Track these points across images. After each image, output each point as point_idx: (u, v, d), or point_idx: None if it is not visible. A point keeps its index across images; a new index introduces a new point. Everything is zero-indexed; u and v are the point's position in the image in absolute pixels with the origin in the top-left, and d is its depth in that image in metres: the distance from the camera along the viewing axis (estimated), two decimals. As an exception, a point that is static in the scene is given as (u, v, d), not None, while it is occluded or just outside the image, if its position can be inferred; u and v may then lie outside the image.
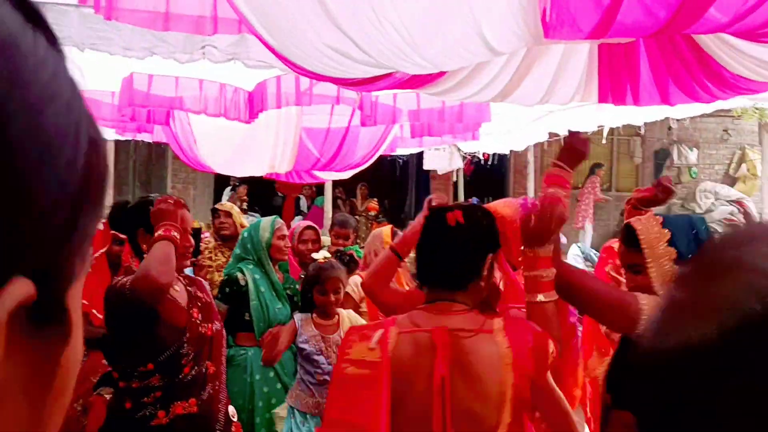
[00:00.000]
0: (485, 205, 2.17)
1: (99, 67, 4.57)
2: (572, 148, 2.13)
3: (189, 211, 2.73)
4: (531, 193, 12.52)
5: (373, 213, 12.94)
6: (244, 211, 12.60)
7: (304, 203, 13.29)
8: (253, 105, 5.08)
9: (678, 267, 1.96)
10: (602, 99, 2.96)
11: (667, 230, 2.04)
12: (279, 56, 2.63)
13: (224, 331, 2.86)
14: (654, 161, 14.82)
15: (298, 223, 4.75)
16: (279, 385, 3.98)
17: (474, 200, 13.01)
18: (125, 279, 2.49)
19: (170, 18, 3.04)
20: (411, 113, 5.55)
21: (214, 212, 5.07)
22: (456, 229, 1.88)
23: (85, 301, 3.59)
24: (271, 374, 4.00)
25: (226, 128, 5.51)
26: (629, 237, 2.13)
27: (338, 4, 1.94)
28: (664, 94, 2.76)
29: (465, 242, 1.88)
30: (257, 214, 12.82)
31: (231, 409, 2.79)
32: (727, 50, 2.46)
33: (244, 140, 5.81)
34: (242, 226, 4.96)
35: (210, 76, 4.98)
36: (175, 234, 2.48)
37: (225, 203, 5.19)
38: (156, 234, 2.49)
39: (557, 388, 1.88)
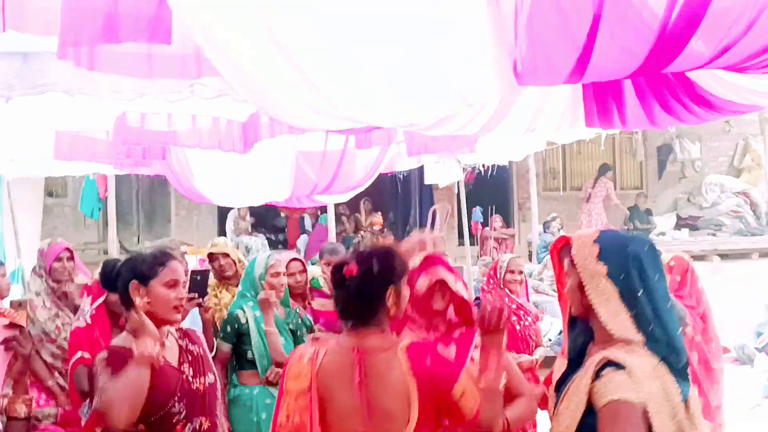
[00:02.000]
0: None
1: (91, 106, 4.56)
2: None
3: (181, 262, 2.69)
4: (534, 197, 12.49)
5: (377, 227, 12.92)
6: (248, 233, 12.64)
7: (308, 222, 13.27)
8: (248, 136, 5.06)
9: (613, 285, 1.93)
10: (589, 124, 2.93)
11: (597, 245, 1.98)
12: (262, 110, 2.62)
13: (218, 383, 2.80)
14: (657, 157, 14.77)
15: (283, 255, 4.68)
16: None
17: (477, 210, 12.99)
18: (103, 380, 2.43)
19: (154, 63, 3.02)
20: (406, 133, 5.52)
21: (211, 256, 5.00)
22: (351, 279, 2.32)
23: (87, 354, 3.57)
24: None
25: (222, 160, 5.50)
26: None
27: (312, 64, 1.92)
28: (651, 118, 2.73)
29: (359, 288, 2.31)
30: (262, 236, 12.82)
31: None
32: (711, 79, 2.43)
33: (240, 171, 5.79)
34: (240, 262, 4.93)
35: (202, 110, 4.97)
36: (151, 352, 2.42)
37: (218, 243, 5.09)
38: (134, 353, 2.42)
39: (467, 404, 2.24)
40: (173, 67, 3.14)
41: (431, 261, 2.76)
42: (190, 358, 2.66)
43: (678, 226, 13.43)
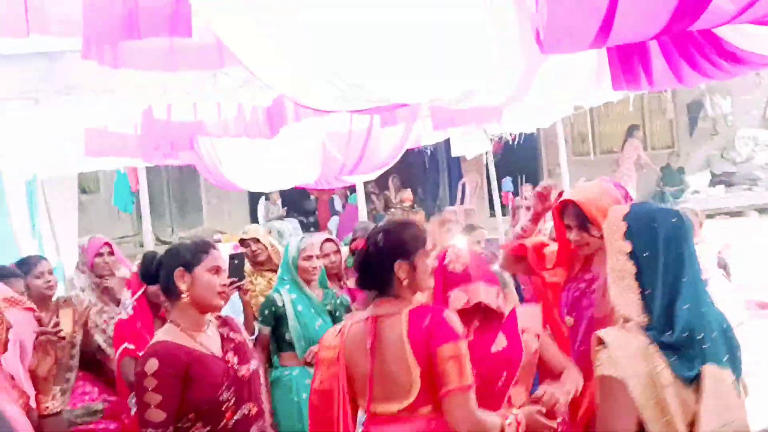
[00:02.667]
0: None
1: (118, 102, 4.61)
2: None
3: (216, 248, 2.72)
4: (563, 162, 12.35)
5: (407, 204, 12.92)
6: (280, 217, 12.72)
7: (338, 202, 13.31)
8: (273, 121, 5.08)
9: (633, 264, 1.93)
10: (616, 86, 2.89)
11: (624, 222, 1.98)
12: (284, 96, 2.62)
13: (261, 368, 2.86)
14: (688, 114, 14.51)
15: (316, 237, 4.71)
16: None
17: (507, 180, 12.89)
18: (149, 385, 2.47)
19: (176, 56, 3.04)
20: (431, 107, 5.50)
21: (243, 242, 5.05)
22: (359, 253, 2.53)
23: (131, 345, 3.65)
24: None
25: (249, 146, 5.53)
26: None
27: (332, 47, 1.92)
28: (679, 76, 2.68)
29: (365, 261, 2.50)
30: (294, 220, 12.89)
31: None
32: (737, 33, 2.37)
33: (268, 156, 5.82)
34: (272, 246, 4.97)
35: (227, 98, 5.00)
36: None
37: (249, 229, 5.13)
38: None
39: (451, 372, 2.29)
40: (196, 59, 3.16)
41: (475, 276, 2.76)
42: (232, 346, 2.67)
43: (712, 183, 13.23)
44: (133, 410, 3.78)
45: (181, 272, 2.58)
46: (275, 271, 4.65)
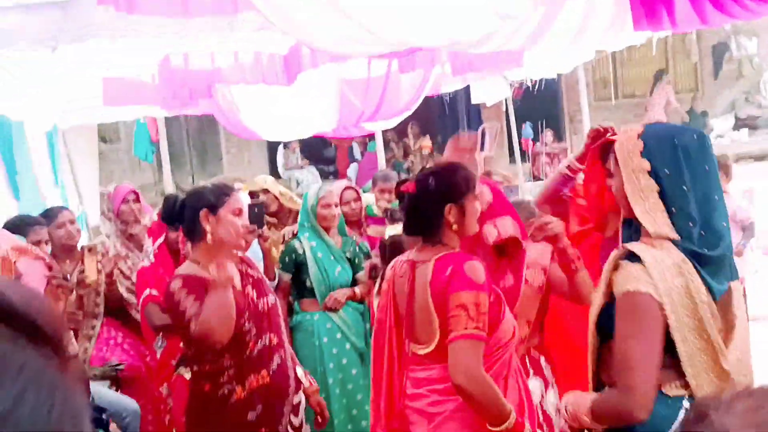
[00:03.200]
0: None
1: (135, 50, 4.60)
2: None
3: (236, 192, 2.80)
4: (585, 108, 12.19)
5: (426, 151, 12.85)
6: (299, 166, 12.73)
7: (357, 150, 13.27)
8: (290, 68, 5.04)
9: (654, 181, 1.88)
10: (638, 27, 2.81)
11: (641, 141, 1.90)
12: (300, 41, 2.59)
13: (278, 302, 2.97)
14: (712, 57, 14.18)
15: (336, 185, 4.70)
16: (348, 345, 4.10)
17: (527, 126, 12.76)
18: (187, 304, 2.59)
19: (190, 2, 3.02)
20: (450, 53, 5.42)
21: (252, 195, 5.02)
22: (409, 197, 2.46)
23: (155, 291, 3.71)
24: (338, 336, 4.11)
25: (267, 94, 5.51)
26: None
27: None
28: (703, 16, 2.60)
29: (416, 205, 2.45)
30: (313, 168, 12.90)
31: (299, 370, 2.93)
32: None
33: (286, 104, 5.79)
34: (282, 194, 4.96)
35: (243, 45, 4.96)
36: (229, 274, 2.58)
37: (257, 180, 5.10)
38: (211, 272, 2.57)
39: (458, 319, 2.27)
40: (211, 5, 3.14)
41: (502, 210, 2.75)
42: (251, 281, 2.81)
43: (737, 127, 13.00)
44: (159, 353, 3.88)
45: (205, 213, 2.67)
46: (285, 221, 4.67)
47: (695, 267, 1.83)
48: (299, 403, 2.86)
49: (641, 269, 1.82)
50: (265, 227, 3.95)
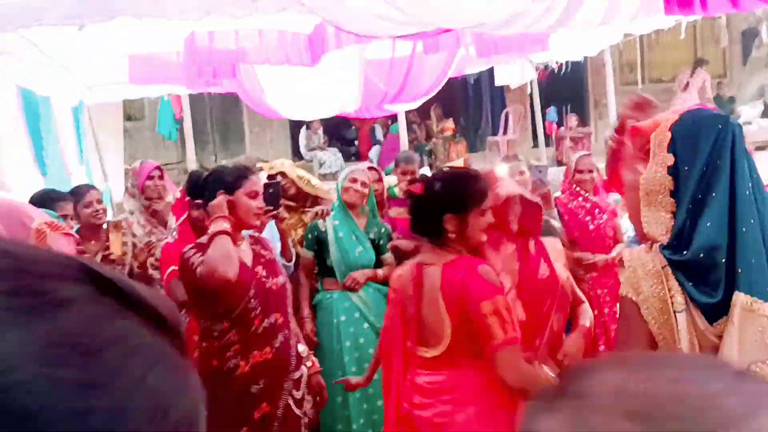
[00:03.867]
0: None
1: (161, 28, 4.62)
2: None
3: (257, 174, 2.89)
4: (611, 92, 12.04)
5: (449, 133, 12.80)
6: (321, 147, 12.73)
7: (379, 132, 13.25)
8: (314, 48, 5.04)
9: (672, 179, 1.74)
10: (668, 11, 2.77)
11: (670, 133, 1.76)
12: (327, 21, 2.58)
13: (288, 284, 3.11)
14: (742, 43, 13.96)
15: (360, 165, 4.70)
16: (366, 325, 4.12)
17: (551, 109, 12.63)
18: (195, 259, 2.77)
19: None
20: (474, 34, 5.38)
21: (270, 178, 4.98)
22: (414, 197, 2.47)
23: (176, 267, 3.74)
24: (356, 315, 4.13)
25: (290, 73, 5.51)
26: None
27: None
28: (734, 0, 2.55)
29: (418, 207, 2.46)
30: (335, 149, 12.90)
31: (301, 347, 3.07)
32: None
33: (310, 83, 5.79)
34: (300, 178, 4.93)
35: (268, 24, 4.96)
36: (226, 225, 2.77)
37: (275, 164, 5.04)
38: (210, 230, 2.77)
39: (495, 327, 2.27)
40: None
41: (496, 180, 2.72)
42: (263, 260, 2.97)
43: (765, 114, 12.80)
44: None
45: (222, 195, 2.83)
46: (304, 204, 4.68)
47: (674, 274, 1.73)
48: (300, 377, 3.02)
49: (626, 274, 1.80)
50: (281, 208, 3.96)
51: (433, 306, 2.39)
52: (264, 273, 2.93)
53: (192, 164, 8.70)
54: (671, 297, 1.71)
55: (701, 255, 1.68)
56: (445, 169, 2.63)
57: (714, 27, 13.63)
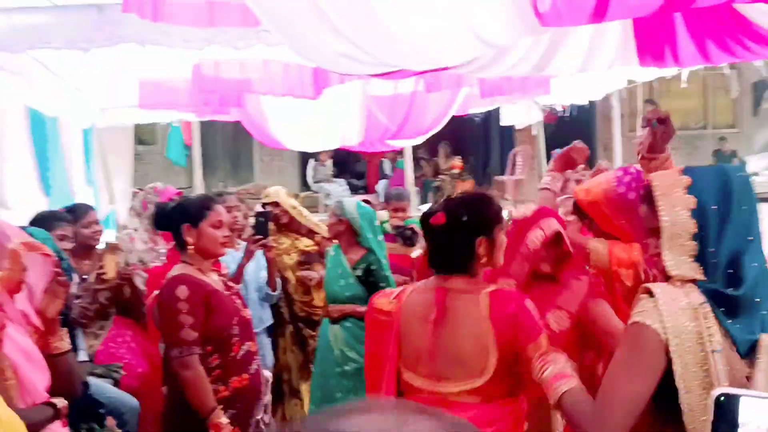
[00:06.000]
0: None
1: (171, 55, 4.73)
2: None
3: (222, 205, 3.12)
4: (617, 137, 12.08)
5: (456, 171, 12.88)
6: (328, 179, 12.84)
7: (388, 166, 13.35)
8: (318, 81, 5.13)
9: (695, 222, 1.75)
10: (643, 62, 2.84)
11: (687, 177, 1.79)
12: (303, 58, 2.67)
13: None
14: (753, 94, 14.02)
15: (354, 198, 4.79)
16: (332, 357, 4.19)
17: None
18: (181, 311, 2.85)
19: (215, 12, 3.12)
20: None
21: (264, 207, 5.02)
22: (439, 229, 2.31)
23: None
24: (342, 346, 4.16)
25: (294, 105, 5.61)
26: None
27: (337, 13, 1.96)
28: (705, 54, 2.62)
29: (447, 238, 2.30)
30: (342, 181, 13.00)
31: (265, 374, 3.21)
32: (763, 14, 2.29)
33: (312, 116, 5.89)
34: (293, 208, 4.98)
35: (273, 56, 5.06)
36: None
37: (269, 193, 5.06)
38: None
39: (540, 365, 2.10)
40: (234, 15, 3.23)
41: (544, 213, 2.66)
42: (234, 291, 3.08)
43: (773, 166, 12.80)
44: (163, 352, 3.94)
45: (187, 227, 2.93)
46: (299, 233, 4.75)
47: (714, 312, 1.70)
48: (267, 402, 3.15)
49: (653, 305, 1.72)
50: (270, 238, 4.03)
51: (474, 337, 2.22)
52: (239, 302, 3.05)
53: (199, 190, 8.81)
54: (710, 335, 1.68)
55: (751, 293, 1.72)
56: (454, 197, 2.47)
57: (723, 78, 13.71)
